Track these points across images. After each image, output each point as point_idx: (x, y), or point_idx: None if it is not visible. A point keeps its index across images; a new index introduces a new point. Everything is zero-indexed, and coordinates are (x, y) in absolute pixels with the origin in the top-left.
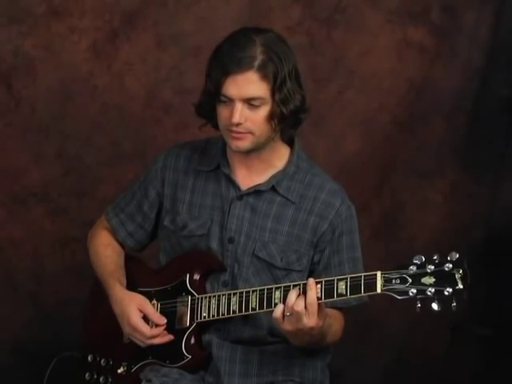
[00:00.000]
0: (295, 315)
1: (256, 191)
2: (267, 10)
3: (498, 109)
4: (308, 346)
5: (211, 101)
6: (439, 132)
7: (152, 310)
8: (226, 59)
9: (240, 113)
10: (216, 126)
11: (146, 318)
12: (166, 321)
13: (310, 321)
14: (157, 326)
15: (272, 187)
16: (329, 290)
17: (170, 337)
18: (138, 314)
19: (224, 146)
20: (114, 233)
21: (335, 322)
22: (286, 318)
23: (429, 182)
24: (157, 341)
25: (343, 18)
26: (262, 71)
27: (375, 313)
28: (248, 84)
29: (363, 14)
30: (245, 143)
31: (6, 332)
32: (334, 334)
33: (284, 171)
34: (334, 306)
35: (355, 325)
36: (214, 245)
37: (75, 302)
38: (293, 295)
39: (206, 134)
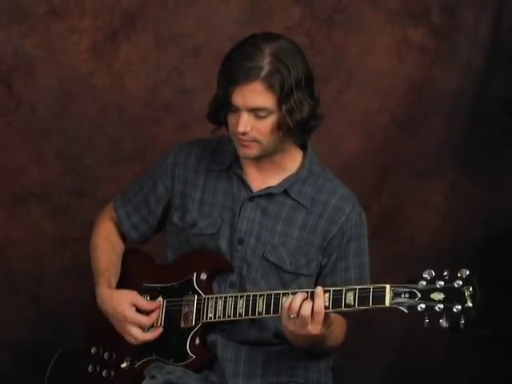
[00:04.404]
0: (301, 319)
1: (268, 194)
2: (267, 10)
3: (498, 109)
4: (306, 348)
5: (222, 108)
6: (439, 132)
7: (143, 301)
8: (233, 68)
9: (246, 123)
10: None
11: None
12: (158, 303)
13: (314, 329)
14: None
15: (284, 190)
16: (337, 300)
17: (160, 330)
18: (133, 309)
19: None
20: (119, 223)
21: (337, 327)
22: (290, 319)
23: (429, 181)
24: (148, 337)
25: (343, 17)
26: (268, 82)
27: (375, 313)
28: (253, 94)
29: (363, 14)
30: (252, 151)
31: (6, 332)
32: (335, 340)
33: (297, 175)
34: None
35: (355, 325)
36: (224, 245)
37: (75, 302)
38: (298, 298)
39: (206, 135)
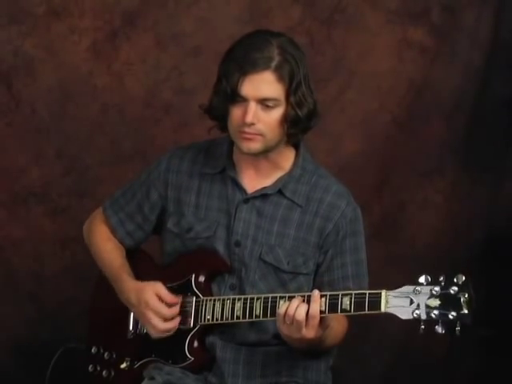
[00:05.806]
0: (295, 324)
1: (262, 194)
2: (267, 10)
3: (497, 109)
4: (305, 349)
5: (224, 101)
6: (439, 132)
7: (165, 291)
8: (242, 59)
9: (254, 112)
10: (223, 129)
11: None
12: (180, 299)
13: (309, 333)
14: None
15: (278, 190)
16: (333, 305)
17: (179, 319)
18: (156, 299)
19: (230, 147)
20: (111, 230)
21: (337, 324)
22: (285, 324)
23: (429, 182)
24: (169, 325)
25: (343, 17)
26: (279, 72)
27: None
28: (264, 84)
29: (363, 14)
30: (256, 145)
31: (6, 332)
32: (334, 338)
33: (290, 174)
34: None
35: (355, 325)
36: (221, 247)
37: (75, 302)
38: (293, 304)
39: (206, 135)
